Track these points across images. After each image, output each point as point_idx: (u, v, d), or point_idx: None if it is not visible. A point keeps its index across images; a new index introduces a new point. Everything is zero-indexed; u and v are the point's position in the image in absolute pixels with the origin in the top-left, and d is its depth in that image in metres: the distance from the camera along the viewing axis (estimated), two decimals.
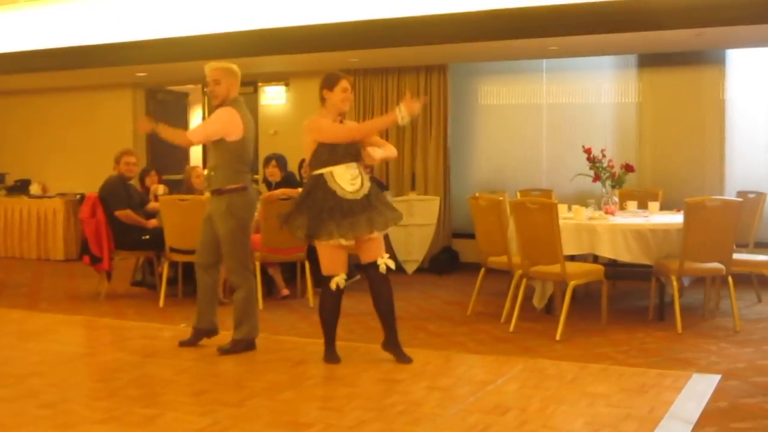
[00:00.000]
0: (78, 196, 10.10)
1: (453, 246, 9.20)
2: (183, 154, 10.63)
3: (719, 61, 8.16)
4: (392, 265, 4.89)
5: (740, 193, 7.02)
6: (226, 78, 5.18)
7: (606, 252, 5.99)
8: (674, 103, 8.39)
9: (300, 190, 6.84)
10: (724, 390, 4.29)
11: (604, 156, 6.70)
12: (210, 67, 5.23)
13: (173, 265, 7.10)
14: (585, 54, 8.46)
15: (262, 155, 8.68)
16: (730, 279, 5.82)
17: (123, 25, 8.70)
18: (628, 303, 7.02)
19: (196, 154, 11.11)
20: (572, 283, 5.64)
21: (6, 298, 7.56)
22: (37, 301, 7.47)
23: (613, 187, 6.65)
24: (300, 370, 4.81)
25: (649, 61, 8.44)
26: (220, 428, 3.72)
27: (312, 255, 6.47)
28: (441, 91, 9.05)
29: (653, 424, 3.73)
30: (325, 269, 4.86)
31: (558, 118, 8.88)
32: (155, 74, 10.01)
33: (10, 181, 11.25)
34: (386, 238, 5.35)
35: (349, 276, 5.38)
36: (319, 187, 4.76)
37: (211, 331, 5.37)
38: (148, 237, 7.24)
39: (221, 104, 5.18)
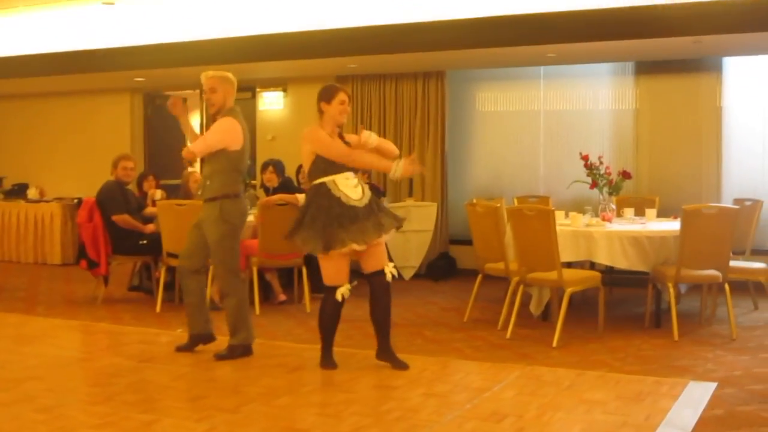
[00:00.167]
0: (75, 201, 10.10)
1: (450, 252, 9.20)
2: (180, 158, 10.59)
3: (716, 69, 8.17)
4: (395, 273, 4.88)
5: (737, 201, 7.03)
6: (223, 86, 5.19)
7: (603, 259, 5.99)
8: (671, 110, 8.40)
9: (297, 195, 6.89)
10: (721, 397, 4.29)
11: (601, 163, 6.70)
12: (206, 76, 5.24)
13: (170, 270, 7.07)
14: (582, 61, 8.48)
15: (260, 161, 8.68)
16: (726, 286, 5.82)
17: (121, 30, 8.71)
18: (625, 310, 7.02)
19: None
20: (569, 290, 5.65)
21: (3, 302, 7.54)
22: (34, 305, 7.46)
23: (610, 193, 6.66)
24: (297, 376, 4.81)
25: (647, 68, 8.45)
26: None
27: (309, 261, 6.49)
28: (438, 97, 9.06)
29: None
30: (329, 280, 4.82)
31: (555, 124, 8.89)
32: (153, 79, 10.00)
33: (7, 185, 11.26)
34: None
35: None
36: (323, 196, 4.74)
37: (207, 337, 5.35)
38: (145, 242, 7.25)
39: (218, 112, 5.21)
